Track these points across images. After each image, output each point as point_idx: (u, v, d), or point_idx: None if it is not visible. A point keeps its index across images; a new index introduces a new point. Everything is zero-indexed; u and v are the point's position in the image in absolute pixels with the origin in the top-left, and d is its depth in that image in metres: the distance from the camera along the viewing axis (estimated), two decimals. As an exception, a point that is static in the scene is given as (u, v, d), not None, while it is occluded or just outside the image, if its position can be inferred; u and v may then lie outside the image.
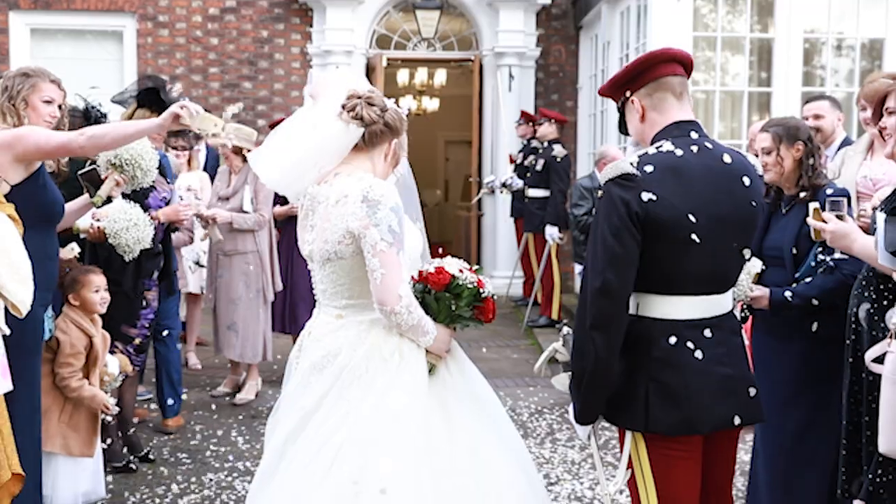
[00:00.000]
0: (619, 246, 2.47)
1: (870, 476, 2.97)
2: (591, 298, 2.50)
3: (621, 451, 2.66)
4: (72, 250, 4.20)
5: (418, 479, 2.58)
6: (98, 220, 4.34)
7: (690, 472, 2.62)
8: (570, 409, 2.69)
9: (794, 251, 3.46)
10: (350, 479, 2.55)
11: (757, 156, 3.56)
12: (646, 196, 2.47)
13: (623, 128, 2.79)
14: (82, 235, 4.37)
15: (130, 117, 4.83)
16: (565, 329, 2.82)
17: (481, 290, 2.83)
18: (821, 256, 3.36)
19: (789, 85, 8.11)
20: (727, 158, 2.62)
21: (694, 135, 2.63)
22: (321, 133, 2.74)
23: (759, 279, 3.53)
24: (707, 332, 2.58)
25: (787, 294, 3.38)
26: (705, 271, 2.57)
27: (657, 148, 2.58)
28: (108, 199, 4.14)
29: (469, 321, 2.84)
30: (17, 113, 3.60)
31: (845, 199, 3.11)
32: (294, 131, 2.79)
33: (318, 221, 2.73)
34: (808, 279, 3.40)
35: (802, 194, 3.48)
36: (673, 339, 2.55)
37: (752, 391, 2.67)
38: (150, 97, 4.83)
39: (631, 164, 2.52)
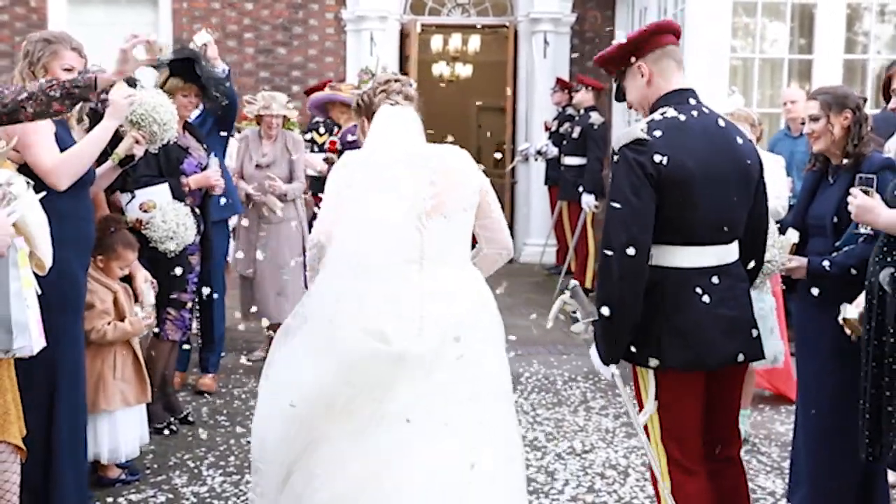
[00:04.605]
0: (639, 202, 2.75)
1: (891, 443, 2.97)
2: (617, 253, 2.75)
3: (636, 388, 2.99)
4: None
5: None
6: (145, 210, 4.49)
7: (694, 405, 2.91)
8: (593, 351, 2.97)
9: (835, 220, 3.46)
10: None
11: (803, 122, 3.65)
12: (657, 158, 2.75)
13: (621, 96, 3.05)
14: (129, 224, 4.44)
15: (163, 84, 4.85)
16: (571, 282, 3.12)
17: None
18: (861, 228, 3.35)
19: (831, 52, 7.96)
20: (721, 122, 2.93)
21: (692, 101, 2.92)
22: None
23: (801, 249, 3.55)
24: (715, 279, 2.87)
25: (826, 263, 3.40)
26: (711, 223, 2.85)
27: (662, 114, 2.85)
28: (131, 158, 4.14)
29: None
30: (35, 80, 3.48)
31: (875, 177, 3.16)
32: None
33: (434, 177, 2.89)
34: (846, 248, 3.39)
35: (846, 161, 3.49)
36: (684, 286, 2.83)
37: (755, 332, 2.98)
38: (184, 67, 4.83)
39: (641, 130, 2.79)
